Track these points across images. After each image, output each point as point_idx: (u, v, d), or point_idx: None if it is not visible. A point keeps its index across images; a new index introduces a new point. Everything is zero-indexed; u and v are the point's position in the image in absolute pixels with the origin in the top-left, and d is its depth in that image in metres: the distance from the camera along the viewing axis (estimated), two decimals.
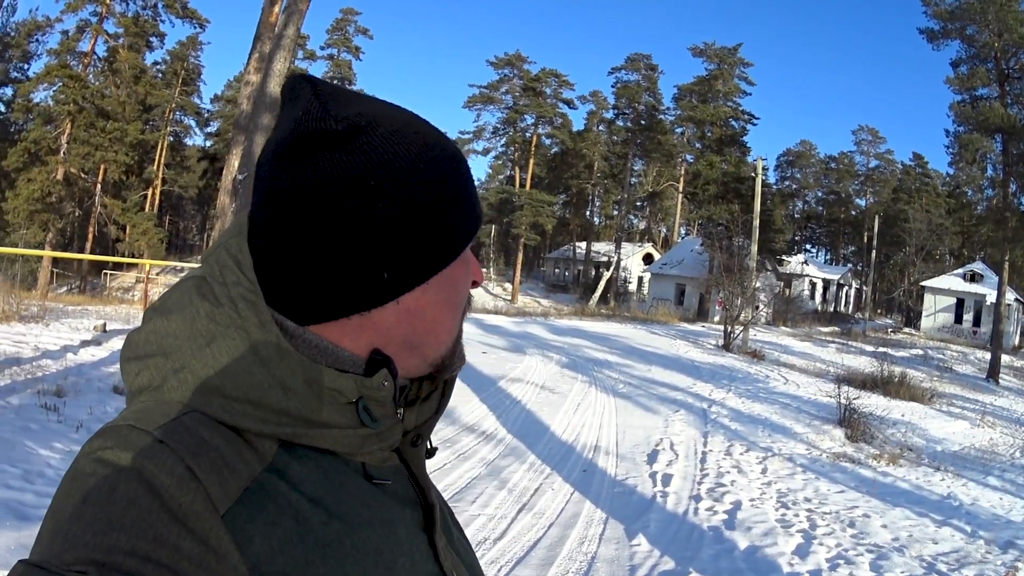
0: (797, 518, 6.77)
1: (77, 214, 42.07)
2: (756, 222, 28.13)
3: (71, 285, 39.03)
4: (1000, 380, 24.43)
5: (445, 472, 6.92)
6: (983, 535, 6.89)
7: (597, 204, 70.81)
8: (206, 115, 57.95)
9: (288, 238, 0.62)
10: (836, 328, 40.75)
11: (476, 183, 0.75)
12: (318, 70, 56.50)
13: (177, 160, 54.89)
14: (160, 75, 51.14)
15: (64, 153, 39.27)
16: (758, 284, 29.46)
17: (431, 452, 0.79)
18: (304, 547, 0.58)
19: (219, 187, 14.66)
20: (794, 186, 75.65)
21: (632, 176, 59.10)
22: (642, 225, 74.70)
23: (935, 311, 46.22)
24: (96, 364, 8.63)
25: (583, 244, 63.58)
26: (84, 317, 12.17)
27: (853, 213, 74.42)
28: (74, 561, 0.50)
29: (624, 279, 56.82)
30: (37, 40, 43.24)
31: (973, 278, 45.20)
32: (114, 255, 40.50)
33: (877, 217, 51.99)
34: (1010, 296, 35.28)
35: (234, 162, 13.20)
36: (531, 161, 60.01)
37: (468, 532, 5.26)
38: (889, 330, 45.41)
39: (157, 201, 51.19)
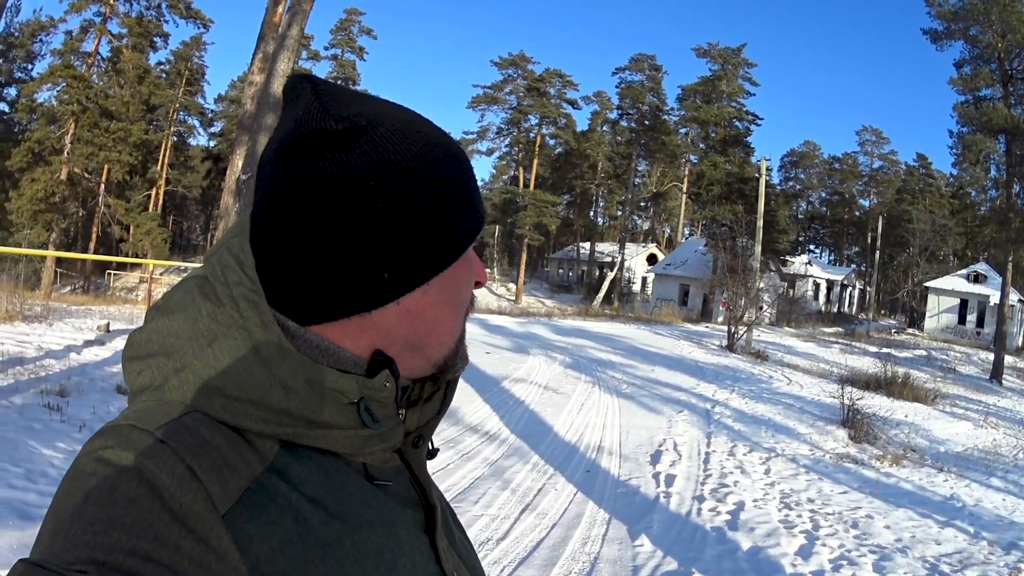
0: (800, 519, 6.76)
1: (81, 214, 42.12)
2: (760, 223, 28.10)
3: (75, 285, 39.08)
4: (1003, 381, 24.36)
5: (448, 472, 6.92)
6: (986, 536, 6.87)
7: (601, 204, 70.72)
8: (210, 115, 58.09)
9: (288, 238, 0.62)
10: (840, 329, 40.64)
11: (480, 183, 0.74)
12: (322, 70, 56.58)
13: (181, 160, 54.95)
14: (164, 75, 51.22)
15: (68, 153, 39.34)
16: (762, 285, 29.38)
17: (433, 453, 0.78)
18: (304, 547, 0.58)
19: (223, 187, 14.69)
20: (798, 187, 75.57)
21: (636, 176, 59.04)
22: (646, 225, 74.70)
23: (939, 312, 46.13)
24: (99, 364, 8.64)
25: (587, 244, 63.55)
26: (87, 317, 12.19)
27: (857, 214, 74.42)
28: (75, 560, 0.50)
29: (628, 279, 56.80)
30: (41, 40, 43.47)
31: (977, 279, 45.13)
32: (118, 255, 40.60)
33: (881, 218, 51.93)
34: (1014, 297, 35.13)
35: (238, 162, 13.21)
36: (535, 161, 59.97)
37: (471, 532, 5.26)
38: (893, 331, 45.28)
39: (161, 201, 51.25)
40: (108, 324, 11.11)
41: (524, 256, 57.86)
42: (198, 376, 0.61)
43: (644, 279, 58.32)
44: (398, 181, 0.62)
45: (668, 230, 73.63)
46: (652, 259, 60.04)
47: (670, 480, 7.64)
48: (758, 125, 50.25)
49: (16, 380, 7.26)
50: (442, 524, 0.74)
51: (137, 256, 40.21)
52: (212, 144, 59.10)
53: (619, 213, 65.81)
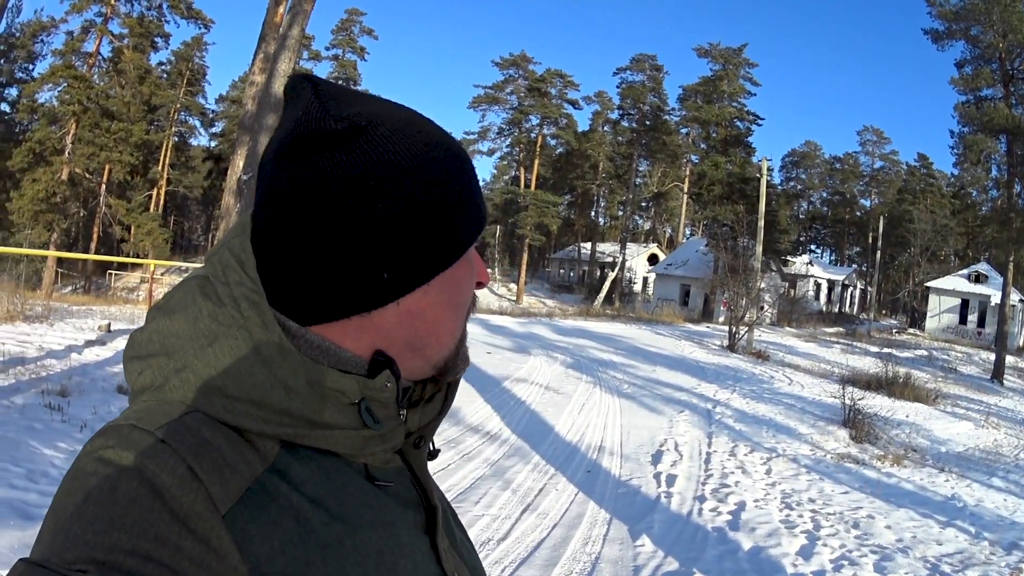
0: (801, 519, 6.76)
1: (82, 214, 42.17)
2: (761, 223, 28.11)
3: (75, 285, 39.15)
4: (1005, 381, 24.35)
5: (449, 472, 6.92)
6: (987, 536, 6.87)
7: (602, 204, 70.74)
8: (211, 115, 58.18)
9: (288, 238, 0.62)
10: (841, 329, 40.62)
11: (481, 183, 0.74)
12: (323, 71, 56.58)
13: (182, 160, 54.94)
14: (165, 75, 51.27)
15: (69, 153, 39.38)
16: (763, 285, 29.38)
17: (434, 454, 0.78)
18: (305, 548, 0.58)
19: (224, 187, 14.70)
20: (799, 187, 75.59)
21: (637, 176, 59.01)
22: (647, 226, 74.71)
23: (940, 312, 46.12)
24: (100, 364, 8.65)
25: (588, 245, 63.57)
26: (88, 317, 12.20)
27: (858, 214, 74.42)
28: (75, 560, 0.50)
29: (629, 279, 56.82)
30: (42, 41, 43.51)
31: (978, 279, 45.10)
32: (119, 255, 40.63)
33: (882, 218, 51.94)
34: (1015, 297, 35.10)
35: (239, 162, 13.22)
36: (536, 161, 59.98)
37: (472, 533, 5.26)
38: (894, 331, 45.24)
39: (162, 201, 51.29)
40: (109, 324, 11.12)
41: (525, 256, 57.88)
42: (199, 376, 0.60)
43: (645, 279, 58.31)
44: (398, 181, 0.62)
45: (669, 230, 73.69)
46: (653, 259, 60.06)
47: (671, 480, 7.64)
48: (759, 125, 50.36)
49: (17, 380, 7.27)
50: (443, 525, 0.74)
51: (138, 256, 40.26)
52: (213, 144, 59.14)
53: (620, 213, 65.86)
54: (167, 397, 0.61)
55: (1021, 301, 40.33)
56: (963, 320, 45.18)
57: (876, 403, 12.95)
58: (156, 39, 46.55)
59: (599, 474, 7.63)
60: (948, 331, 43.80)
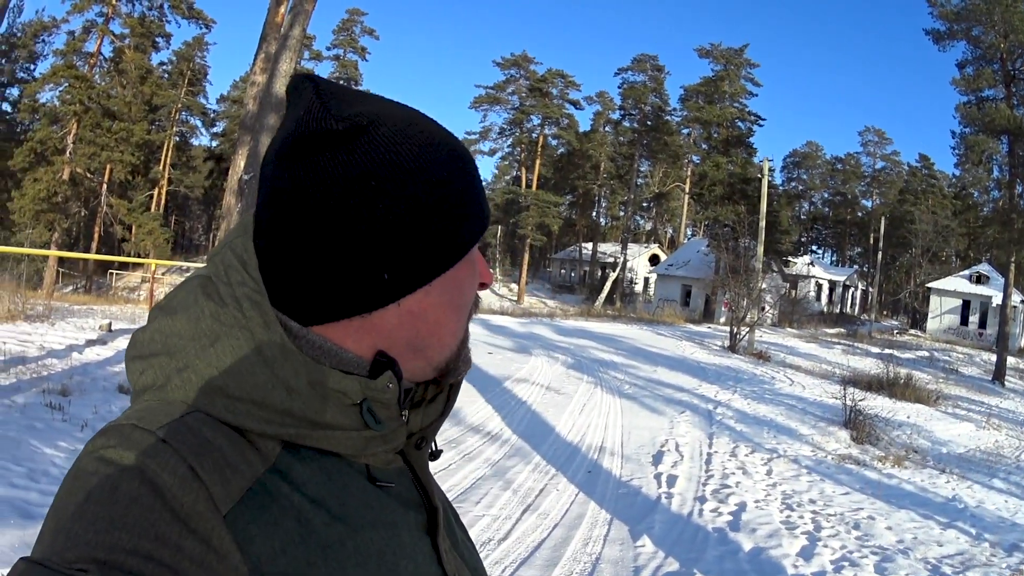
0: (802, 520, 6.76)
1: (83, 214, 42.23)
2: (762, 223, 28.09)
3: (77, 285, 39.17)
4: (1006, 382, 24.32)
5: (450, 472, 6.92)
6: (988, 538, 6.87)
7: (603, 205, 70.80)
8: (212, 115, 58.18)
9: (290, 238, 0.62)
10: (842, 329, 40.63)
11: (483, 183, 0.74)
12: (324, 70, 56.58)
13: (183, 160, 54.98)
14: (166, 75, 51.30)
15: (70, 153, 39.41)
16: (764, 285, 29.38)
17: (436, 455, 0.78)
18: (306, 548, 0.57)
19: (225, 187, 14.70)
20: (800, 187, 75.58)
21: (638, 177, 58.98)
22: (648, 226, 74.69)
23: (941, 313, 46.10)
24: (101, 363, 8.66)
25: (589, 245, 63.62)
26: (89, 316, 12.21)
27: (859, 214, 74.40)
28: (76, 559, 0.50)
29: (630, 280, 56.78)
30: (43, 41, 43.56)
31: (979, 280, 45.08)
32: (120, 255, 40.62)
33: (883, 218, 51.95)
34: (1016, 298, 35.10)
35: (240, 162, 13.22)
36: (537, 162, 60.01)
37: (472, 533, 5.26)
38: (895, 332, 45.23)
39: (163, 201, 51.32)
40: (110, 324, 11.13)
41: (526, 256, 57.92)
42: (200, 376, 0.60)
43: (646, 280, 58.34)
44: (399, 181, 0.62)
45: (670, 230, 73.66)
46: (654, 259, 60.08)
47: (672, 481, 7.64)
48: (760, 126, 50.21)
49: (18, 379, 7.28)
50: (444, 525, 0.74)
51: (139, 256, 40.25)
52: (214, 144, 59.20)
53: (621, 213, 65.89)
54: (169, 397, 0.61)
55: (1023, 302, 40.30)
56: (964, 321, 45.15)
57: (877, 404, 12.95)
58: (157, 39, 46.59)
59: (600, 474, 7.63)
60: (949, 332, 43.79)
